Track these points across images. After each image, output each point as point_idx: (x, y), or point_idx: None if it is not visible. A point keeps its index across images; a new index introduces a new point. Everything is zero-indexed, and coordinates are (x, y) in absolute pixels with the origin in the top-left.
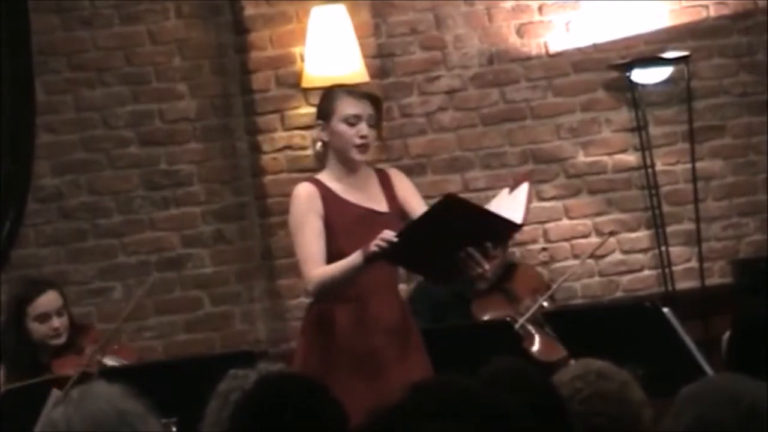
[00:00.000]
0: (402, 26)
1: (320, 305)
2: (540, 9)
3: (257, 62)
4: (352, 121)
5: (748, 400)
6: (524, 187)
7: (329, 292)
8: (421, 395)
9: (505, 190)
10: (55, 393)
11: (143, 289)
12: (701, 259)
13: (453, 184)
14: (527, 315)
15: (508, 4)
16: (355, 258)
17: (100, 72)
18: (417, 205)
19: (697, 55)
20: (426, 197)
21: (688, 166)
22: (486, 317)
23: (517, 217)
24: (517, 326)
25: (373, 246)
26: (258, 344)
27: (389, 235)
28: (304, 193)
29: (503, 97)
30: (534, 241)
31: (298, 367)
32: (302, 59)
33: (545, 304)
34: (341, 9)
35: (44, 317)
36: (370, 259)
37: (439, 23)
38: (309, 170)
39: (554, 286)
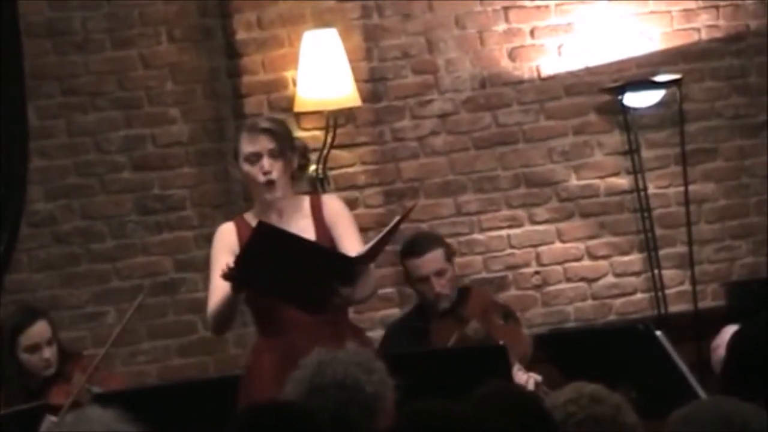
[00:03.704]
0: (394, 50)
1: (258, 338)
2: (532, 32)
3: (249, 86)
4: (252, 159)
5: (739, 422)
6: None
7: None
8: (411, 420)
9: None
10: (48, 419)
11: (130, 311)
12: (694, 282)
13: (445, 207)
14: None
15: (500, 28)
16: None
17: (93, 96)
18: (343, 230)
19: (689, 77)
20: (418, 221)
21: (681, 189)
22: (441, 342)
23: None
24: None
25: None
26: None
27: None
28: (220, 232)
29: (495, 120)
30: (526, 265)
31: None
32: (294, 83)
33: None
34: (333, 33)
35: (35, 348)
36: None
37: (432, 47)
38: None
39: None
